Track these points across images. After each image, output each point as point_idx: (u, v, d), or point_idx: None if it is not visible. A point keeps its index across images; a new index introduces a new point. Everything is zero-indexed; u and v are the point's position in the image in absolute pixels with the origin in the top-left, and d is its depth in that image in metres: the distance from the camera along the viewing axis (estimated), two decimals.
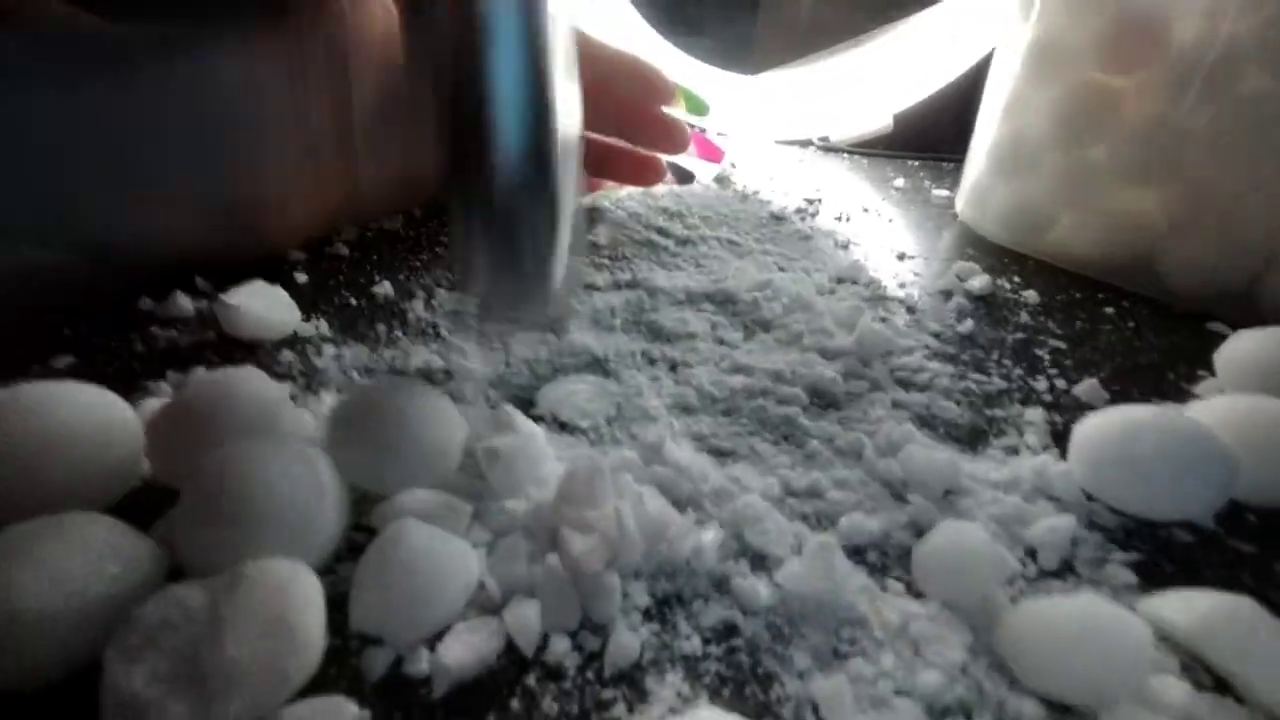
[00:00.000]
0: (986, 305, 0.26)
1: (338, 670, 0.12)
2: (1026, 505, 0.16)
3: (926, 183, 0.40)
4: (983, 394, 0.21)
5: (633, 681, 0.12)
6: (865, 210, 0.35)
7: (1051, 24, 0.29)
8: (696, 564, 0.14)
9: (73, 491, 0.13)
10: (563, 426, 0.18)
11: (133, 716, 0.10)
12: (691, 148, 0.32)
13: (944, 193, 0.37)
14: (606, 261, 0.28)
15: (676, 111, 0.31)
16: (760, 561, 0.15)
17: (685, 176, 0.35)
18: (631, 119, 0.30)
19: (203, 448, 0.14)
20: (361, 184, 0.27)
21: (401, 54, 0.26)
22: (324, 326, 0.22)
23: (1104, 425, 0.17)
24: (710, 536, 0.14)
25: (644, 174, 0.32)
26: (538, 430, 0.17)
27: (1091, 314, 0.26)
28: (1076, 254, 0.29)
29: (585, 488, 0.14)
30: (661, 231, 0.31)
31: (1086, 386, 0.21)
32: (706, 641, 0.13)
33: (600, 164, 0.32)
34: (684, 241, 0.30)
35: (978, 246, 0.31)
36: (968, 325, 0.24)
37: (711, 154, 0.34)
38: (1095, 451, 0.17)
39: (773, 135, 0.46)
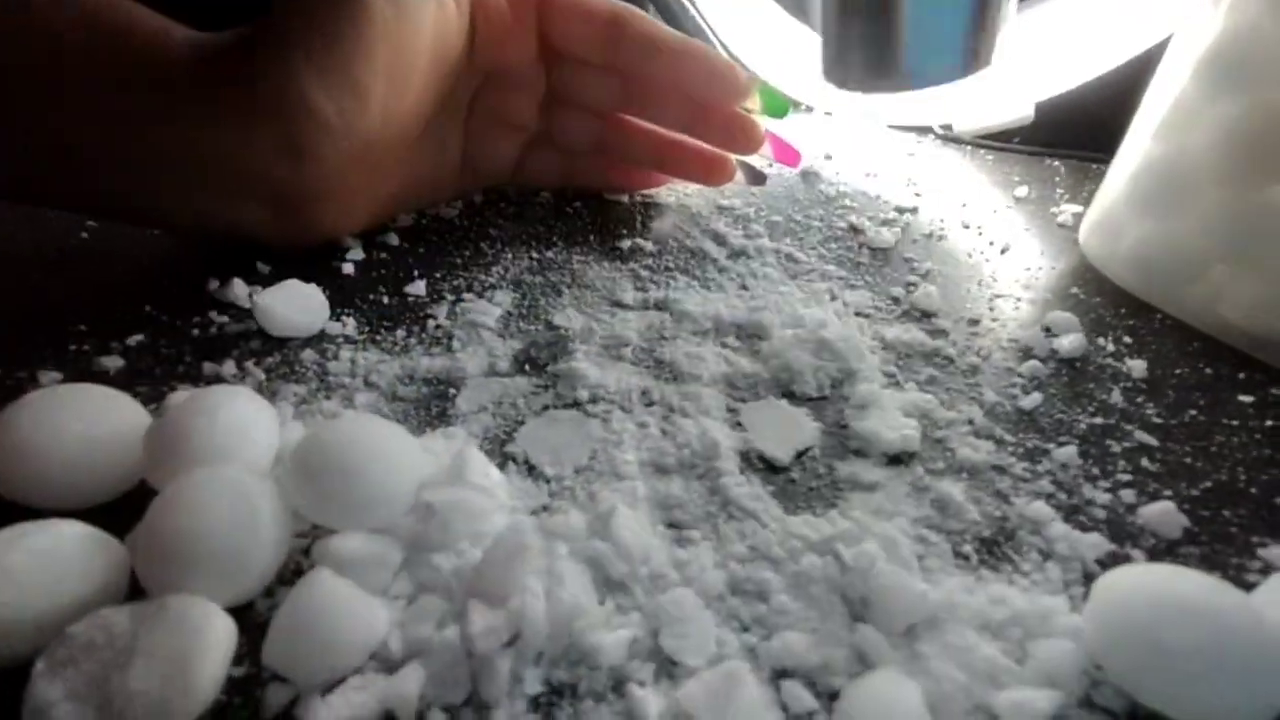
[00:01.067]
0: (1071, 373, 0.22)
1: (243, 699, 0.13)
2: (1007, 662, 0.14)
3: (1059, 192, 0.33)
4: (1016, 494, 0.18)
5: None
6: (966, 226, 0.30)
7: (1246, 18, 0.22)
8: (600, 659, 0.14)
9: (73, 491, 0.15)
10: (531, 470, 0.18)
11: None
12: (766, 147, 0.30)
13: (1077, 208, 0.31)
14: (646, 273, 0.27)
15: (752, 109, 0.28)
16: (668, 668, 0.14)
17: (757, 177, 0.32)
18: (702, 114, 0.28)
19: (183, 465, 0.15)
20: (420, 173, 0.28)
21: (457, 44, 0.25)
22: (350, 326, 0.23)
23: (1133, 588, 0.14)
24: (618, 636, 0.14)
25: (711, 173, 0.30)
26: (492, 480, 0.17)
27: (1216, 401, 0.21)
28: (1224, 317, 0.23)
29: (504, 562, 0.14)
30: (717, 238, 0.29)
31: (1159, 509, 0.17)
32: None
33: (666, 160, 0.30)
34: (737, 254, 0.28)
35: (1093, 289, 0.26)
36: (1034, 399, 0.20)
37: (787, 156, 0.31)
38: (1116, 615, 0.13)
39: (888, 120, 0.41)
